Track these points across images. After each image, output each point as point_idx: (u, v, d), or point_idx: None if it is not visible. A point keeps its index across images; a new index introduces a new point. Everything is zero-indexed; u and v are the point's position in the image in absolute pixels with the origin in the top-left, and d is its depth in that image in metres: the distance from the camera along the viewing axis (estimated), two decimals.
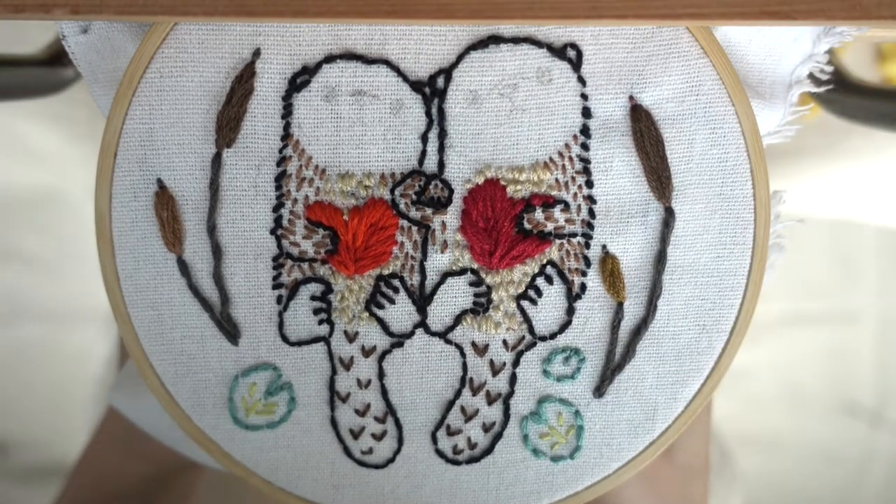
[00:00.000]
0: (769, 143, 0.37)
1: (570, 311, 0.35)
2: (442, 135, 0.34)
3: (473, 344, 0.35)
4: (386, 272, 0.35)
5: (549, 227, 0.34)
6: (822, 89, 0.36)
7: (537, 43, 0.33)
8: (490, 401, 0.36)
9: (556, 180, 0.34)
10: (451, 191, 0.34)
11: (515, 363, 0.36)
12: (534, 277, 0.35)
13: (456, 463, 0.36)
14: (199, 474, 0.56)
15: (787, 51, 0.36)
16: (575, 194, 0.34)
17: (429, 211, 0.34)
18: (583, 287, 0.35)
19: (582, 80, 0.34)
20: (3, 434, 0.92)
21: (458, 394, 0.36)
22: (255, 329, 0.35)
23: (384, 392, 0.36)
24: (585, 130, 0.34)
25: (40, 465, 0.91)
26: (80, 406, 0.87)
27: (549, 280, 0.35)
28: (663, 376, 0.35)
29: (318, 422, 0.36)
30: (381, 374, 0.36)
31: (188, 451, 0.45)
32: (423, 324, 0.35)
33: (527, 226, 0.34)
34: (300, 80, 0.33)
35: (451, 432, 0.36)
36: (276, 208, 0.34)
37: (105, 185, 0.34)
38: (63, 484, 0.56)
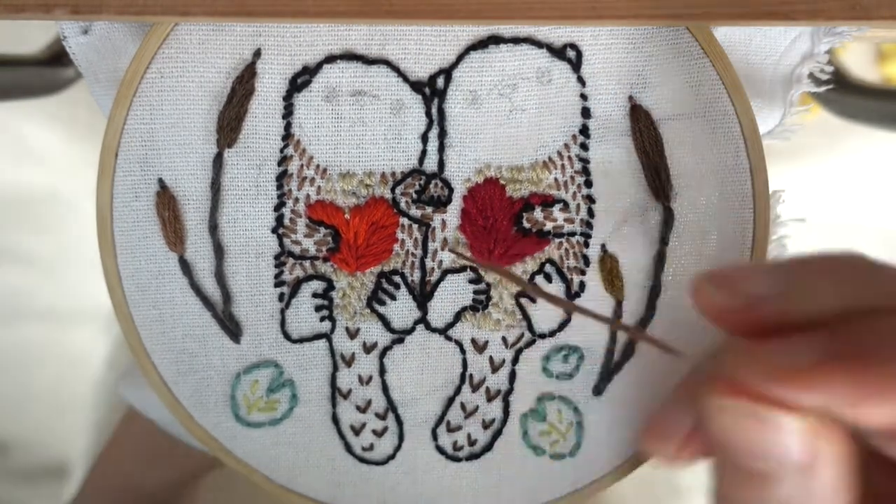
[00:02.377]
0: (769, 143, 0.37)
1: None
2: (442, 134, 0.34)
3: (473, 341, 0.35)
4: (387, 269, 0.35)
5: (549, 226, 0.34)
6: (822, 89, 0.36)
7: (537, 43, 0.33)
8: (490, 398, 0.36)
9: (556, 180, 0.34)
10: (451, 190, 0.34)
11: (515, 360, 0.36)
12: (533, 276, 0.35)
13: (456, 460, 0.37)
14: (213, 476, 0.56)
15: (787, 51, 0.36)
16: (574, 194, 0.34)
17: (429, 209, 0.34)
18: (582, 286, 0.35)
19: (581, 81, 0.34)
20: (3, 434, 0.92)
21: (458, 390, 0.36)
22: (257, 327, 0.35)
23: (385, 388, 0.36)
24: (585, 130, 0.34)
25: (40, 465, 0.91)
26: (80, 406, 0.87)
27: (549, 278, 0.35)
28: (663, 376, 0.35)
29: (319, 418, 0.36)
30: (382, 371, 0.36)
31: (195, 442, 0.45)
32: (423, 320, 0.35)
33: (526, 224, 0.34)
34: (301, 80, 0.33)
35: (451, 429, 0.36)
36: (278, 207, 0.34)
37: (106, 185, 0.34)
38: (82, 482, 0.56)
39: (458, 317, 0.35)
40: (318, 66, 0.33)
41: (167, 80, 0.33)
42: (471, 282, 0.35)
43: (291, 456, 0.37)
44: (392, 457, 0.37)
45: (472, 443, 0.37)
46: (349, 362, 0.36)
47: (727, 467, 0.22)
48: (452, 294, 0.35)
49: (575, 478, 0.37)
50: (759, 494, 0.21)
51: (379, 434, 0.37)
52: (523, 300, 0.35)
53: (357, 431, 0.36)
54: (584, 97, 0.34)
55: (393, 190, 0.34)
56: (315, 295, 0.35)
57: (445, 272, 0.35)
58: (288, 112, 0.34)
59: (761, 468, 0.21)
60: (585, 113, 0.34)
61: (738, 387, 0.21)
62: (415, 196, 0.34)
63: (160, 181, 0.34)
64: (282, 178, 0.34)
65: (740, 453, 0.21)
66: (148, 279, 0.35)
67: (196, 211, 0.34)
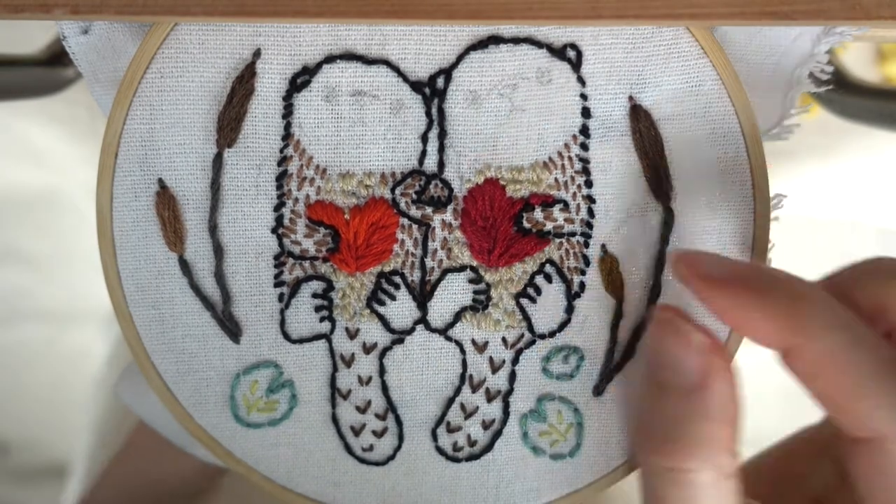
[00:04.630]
0: (769, 143, 0.37)
1: (570, 310, 0.35)
2: (442, 135, 0.34)
3: (473, 341, 0.35)
4: (387, 269, 0.35)
5: (549, 226, 0.34)
6: (822, 89, 0.36)
7: (537, 43, 0.33)
8: (490, 398, 0.36)
9: (556, 180, 0.34)
10: (451, 190, 0.34)
11: (515, 361, 0.36)
12: (533, 276, 0.35)
13: (456, 460, 0.37)
14: (220, 485, 0.56)
15: (787, 51, 0.36)
16: (574, 194, 0.34)
17: (429, 210, 0.34)
18: (582, 286, 0.35)
19: (581, 81, 0.34)
20: (3, 434, 0.92)
21: (457, 391, 0.36)
22: (257, 327, 0.35)
23: (385, 388, 0.36)
24: (585, 130, 0.34)
25: (40, 465, 0.92)
26: (80, 406, 0.88)
27: (549, 278, 0.35)
28: None
29: (319, 419, 0.36)
30: (381, 371, 0.36)
31: (189, 446, 0.45)
32: (423, 320, 0.35)
33: (526, 225, 0.34)
34: (300, 80, 0.33)
35: (451, 429, 0.36)
36: (278, 207, 0.34)
37: (106, 185, 0.34)
38: (96, 477, 0.56)
39: (457, 317, 0.35)
40: (318, 66, 0.33)
41: (167, 80, 0.33)
42: (471, 281, 0.35)
43: (291, 456, 0.37)
44: (392, 457, 0.37)
45: (471, 443, 0.37)
46: (349, 363, 0.36)
47: (646, 382, 0.29)
48: (452, 294, 0.35)
49: (575, 478, 0.37)
50: (662, 403, 0.28)
51: (379, 435, 0.37)
52: (523, 301, 0.35)
53: (357, 432, 0.36)
54: (584, 97, 0.34)
55: (393, 190, 0.34)
56: (315, 295, 0.35)
57: (445, 271, 0.35)
58: (288, 112, 0.34)
59: (669, 379, 0.27)
60: (585, 113, 0.34)
61: (672, 309, 0.29)
62: (415, 196, 0.34)
63: (160, 181, 0.34)
64: (281, 178, 0.34)
65: (658, 361, 0.28)
66: (148, 279, 0.35)
67: (196, 211, 0.34)
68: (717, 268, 0.27)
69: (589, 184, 0.34)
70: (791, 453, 0.34)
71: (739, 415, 0.27)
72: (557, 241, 0.35)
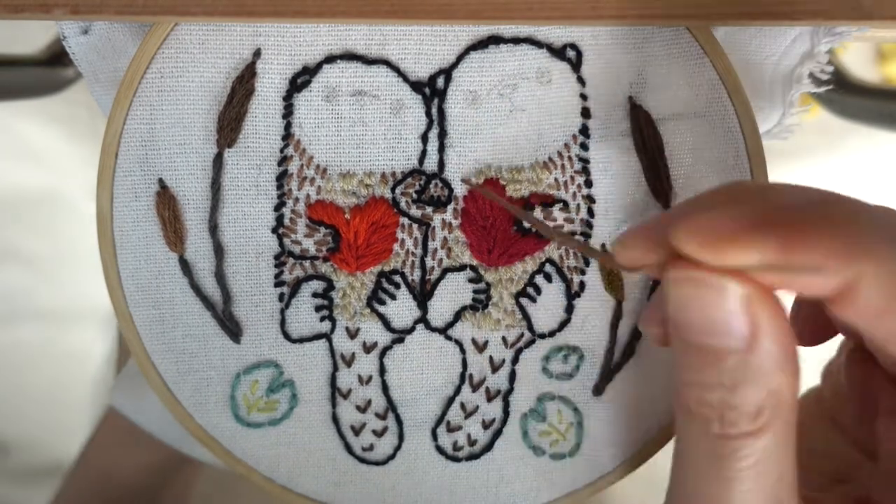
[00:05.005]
0: (769, 143, 0.37)
1: (570, 310, 0.35)
2: (442, 135, 0.34)
3: (473, 340, 0.35)
4: (387, 268, 0.35)
5: (549, 225, 0.34)
6: (822, 89, 0.36)
7: (537, 43, 0.33)
8: (490, 398, 0.36)
9: (556, 180, 0.34)
10: (451, 190, 0.34)
11: (515, 360, 0.36)
12: (533, 275, 0.35)
13: (456, 460, 0.37)
14: (200, 471, 0.56)
15: (787, 51, 0.36)
16: (574, 194, 0.34)
17: (429, 209, 0.34)
18: (582, 286, 0.35)
19: (581, 81, 0.34)
20: (2, 434, 0.92)
21: (457, 390, 0.36)
22: (257, 327, 0.35)
23: (385, 388, 0.36)
24: (585, 130, 0.34)
25: (40, 465, 0.91)
26: (80, 406, 0.87)
27: (549, 278, 0.35)
28: (664, 376, 0.35)
29: (319, 418, 0.36)
30: (381, 371, 0.36)
31: (187, 449, 0.45)
32: (423, 319, 0.35)
33: (526, 224, 0.34)
34: (301, 80, 0.33)
35: (451, 429, 0.36)
36: (278, 207, 0.34)
37: (106, 185, 0.34)
38: (64, 478, 0.56)
39: (457, 316, 0.35)
40: (318, 66, 0.33)
41: (167, 80, 0.33)
42: (471, 281, 0.35)
43: (291, 456, 0.37)
44: (392, 457, 0.37)
45: (472, 443, 0.37)
46: (349, 362, 0.36)
47: (682, 352, 0.23)
48: (452, 293, 0.35)
49: (574, 478, 0.37)
50: (709, 374, 0.22)
51: (379, 434, 0.37)
52: (523, 300, 0.35)
53: (357, 431, 0.36)
54: (584, 97, 0.34)
55: (393, 190, 0.34)
56: (315, 295, 0.35)
57: (445, 270, 0.35)
58: (288, 112, 0.34)
59: (709, 343, 0.22)
60: (585, 113, 0.34)
61: (692, 261, 0.22)
62: (415, 196, 0.34)
63: (160, 181, 0.34)
64: (282, 178, 0.34)
65: (692, 328, 0.22)
66: (148, 279, 0.35)
67: (196, 211, 0.34)
68: (726, 223, 0.21)
69: (589, 184, 0.34)
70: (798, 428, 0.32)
71: (797, 361, 0.23)
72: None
